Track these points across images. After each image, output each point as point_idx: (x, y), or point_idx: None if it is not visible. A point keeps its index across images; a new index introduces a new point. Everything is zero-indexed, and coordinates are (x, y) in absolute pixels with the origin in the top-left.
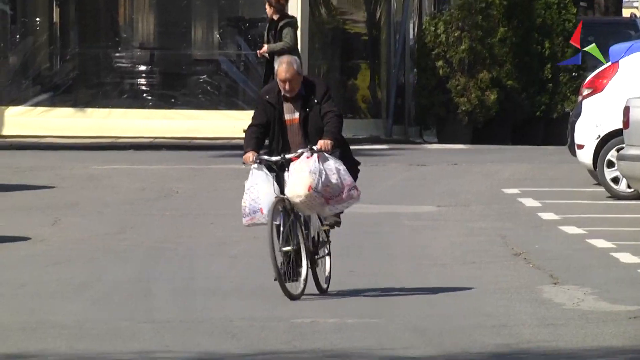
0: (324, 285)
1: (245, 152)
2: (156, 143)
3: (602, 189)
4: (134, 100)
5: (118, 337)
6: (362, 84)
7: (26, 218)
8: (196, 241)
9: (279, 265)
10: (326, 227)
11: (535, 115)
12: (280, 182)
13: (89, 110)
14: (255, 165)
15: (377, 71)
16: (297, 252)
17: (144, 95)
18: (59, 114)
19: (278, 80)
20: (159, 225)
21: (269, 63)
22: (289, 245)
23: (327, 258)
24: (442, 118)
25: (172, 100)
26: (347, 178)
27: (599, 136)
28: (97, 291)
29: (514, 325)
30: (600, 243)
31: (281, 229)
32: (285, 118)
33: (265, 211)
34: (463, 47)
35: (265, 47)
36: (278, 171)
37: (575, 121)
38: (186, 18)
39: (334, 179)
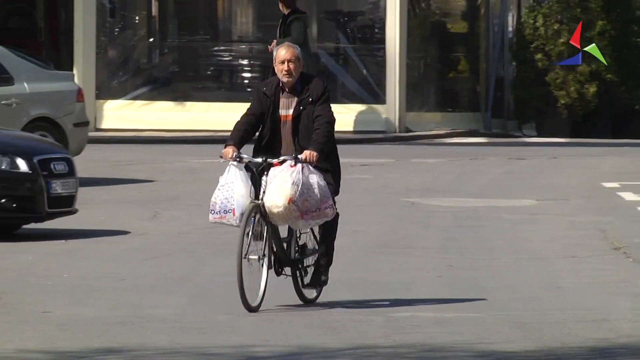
0: (310, 297)
1: (226, 146)
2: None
3: None
4: (232, 93)
5: (217, 330)
6: (461, 77)
7: (126, 212)
8: None
9: (243, 274)
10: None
11: (634, 108)
12: (256, 185)
13: (188, 103)
14: (235, 163)
15: (476, 64)
16: (275, 257)
17: (243, 88)
18: (158, 108)
19: (277, 64)
20: None
21: None
22: (255, 255)
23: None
24: (541, 111)
25: None
26: (327, 195)
27: None
28: (196, 285)
29: (613, 320)
30: None
31: (251, 235)
32: (280, 113)
33: (237, 213)
34: (562, 40)
35: (274, 42)
36: (256, 174)
37: None
38: None
39: (315, 192)
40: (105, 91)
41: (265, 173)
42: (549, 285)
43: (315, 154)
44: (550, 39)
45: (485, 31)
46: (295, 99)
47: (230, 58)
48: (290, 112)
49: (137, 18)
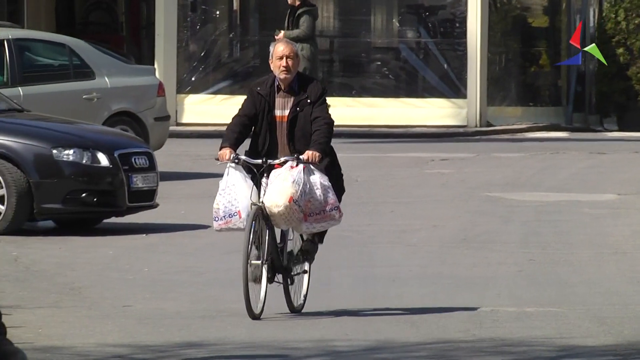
0: (297, 303)
1: (222, 148)
2: (336, 131)
3: None
4: None
5: (298, 325)
6: (542, 72)
7: (206, 206)
8: (376, 229)
9: (249, 280)
10: (307, 246)
11: None
12: (257, 187)
13: None
14: (233, 165)
15: (557, 58)
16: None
17: (324, 82)
18: (238, 102)
19: (274, 60)
20: None
21: None
22: (258, 259)
23: (305, 276)
24: (623, 106)
25: (352, 88)
26: (332, 196)
27: None
28: (276, 278)
29: None
30: None
31: (250, 238)
32: (276, 114)
33: (243, 215)
34: None
35: (282, 33)
36: (257, 175)
37: None
38: (366, 5)
39: (317, 194)
40: (186, 85)
41: (266, 175)
42: (630, 279)
43: (317, 153)
44: (632, 34)
45: (567, 25)
46: (292, 99)
47: None
48: (286, 112)
49: (218, 12)
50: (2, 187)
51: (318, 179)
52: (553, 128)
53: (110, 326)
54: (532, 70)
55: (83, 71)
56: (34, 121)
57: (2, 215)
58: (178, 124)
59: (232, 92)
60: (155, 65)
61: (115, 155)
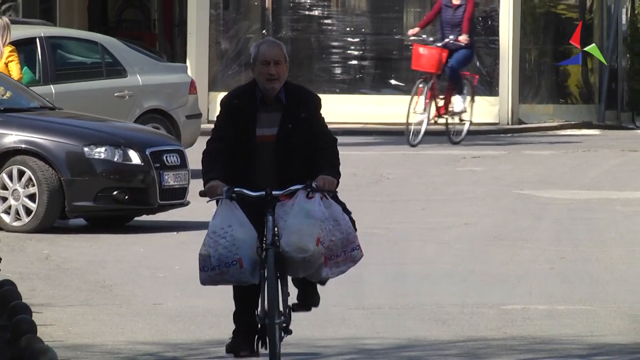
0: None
1: (208, 181)
2: (367, 129)
3: None
4: (345, 85)
5: (328, 322)
6: (574, 69)
7: None
8: (407, 227)
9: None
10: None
11: None
12: (258, 226)
13: None
14: (228, 200)
15: (590, 56)
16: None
17: (356, 80)
18: None
19: (258, 65)
20: (369, 211)
21: None
22: (278, 318)
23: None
24: None
25: (384, 85)
26: (352, 232)
27: None
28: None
29: None
30: None
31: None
32: (257, 133)
33: (245, 264)
34: None
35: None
36: (255, 212)
37: None
38: (398, 2)
39: (338, 231)
40: (218, 83)
41: (270, 210)
42: None
43: (334, 180)
44: None
45: (599, 22)
46: (279, 114)
47: (343, 50)
48: (274, 130)
49: (250, 10)
50: (33, 185)
51: (337, 212)
52: (585, 126)
53: (141, 324)
54: (564, 68)
55: (115, 69)
56: (66, 119)
57: (33, 213)
58: (210, 122)
59: None
60: (188, 63)
61: (147, 153)
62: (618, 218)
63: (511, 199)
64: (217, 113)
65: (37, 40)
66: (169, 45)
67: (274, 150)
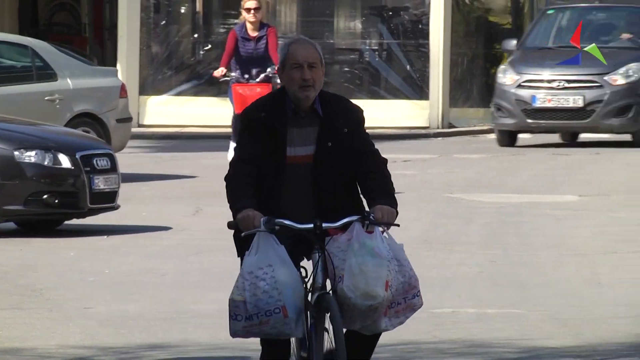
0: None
1: (239, 210)
2: None
3: None
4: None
5: None
6: None
7: (168, 208)
8: None
9: None
10: None
11: None
12: (297, 265)
13: None
14: (268, 233)
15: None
16: None
17: None
18: (201, 104)
19: (288, 70)
20: None
21: None
22: None
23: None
24: None
25: None
26: (414, 275)
27: None
28: None
29: None
30: None
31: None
32: (289, 153)
33: (291, 312)
34: None
35: None
36: (292, 249)
37: None
38: (329, 7)
39: (400, 274)
40: (149, 87)
41: (318, 246)
42: (590, 281)
43: (393, 211)
44: None
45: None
46: (315, 129)
47: None
48: (310, 150)
49: (181, 14)
50: None
51: (399, 251)
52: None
53: (72, 328)
54: (494, 72)
55: (45, 72)
56: None
57: None
58: (140, 126)
59: (195, 94)
60: (118, 67)
61: (77, 156)
62: (547, 222)
63: (441, 203)
64: (240, 129)
65: None
66: (100, 49)
67: (310, 174)
